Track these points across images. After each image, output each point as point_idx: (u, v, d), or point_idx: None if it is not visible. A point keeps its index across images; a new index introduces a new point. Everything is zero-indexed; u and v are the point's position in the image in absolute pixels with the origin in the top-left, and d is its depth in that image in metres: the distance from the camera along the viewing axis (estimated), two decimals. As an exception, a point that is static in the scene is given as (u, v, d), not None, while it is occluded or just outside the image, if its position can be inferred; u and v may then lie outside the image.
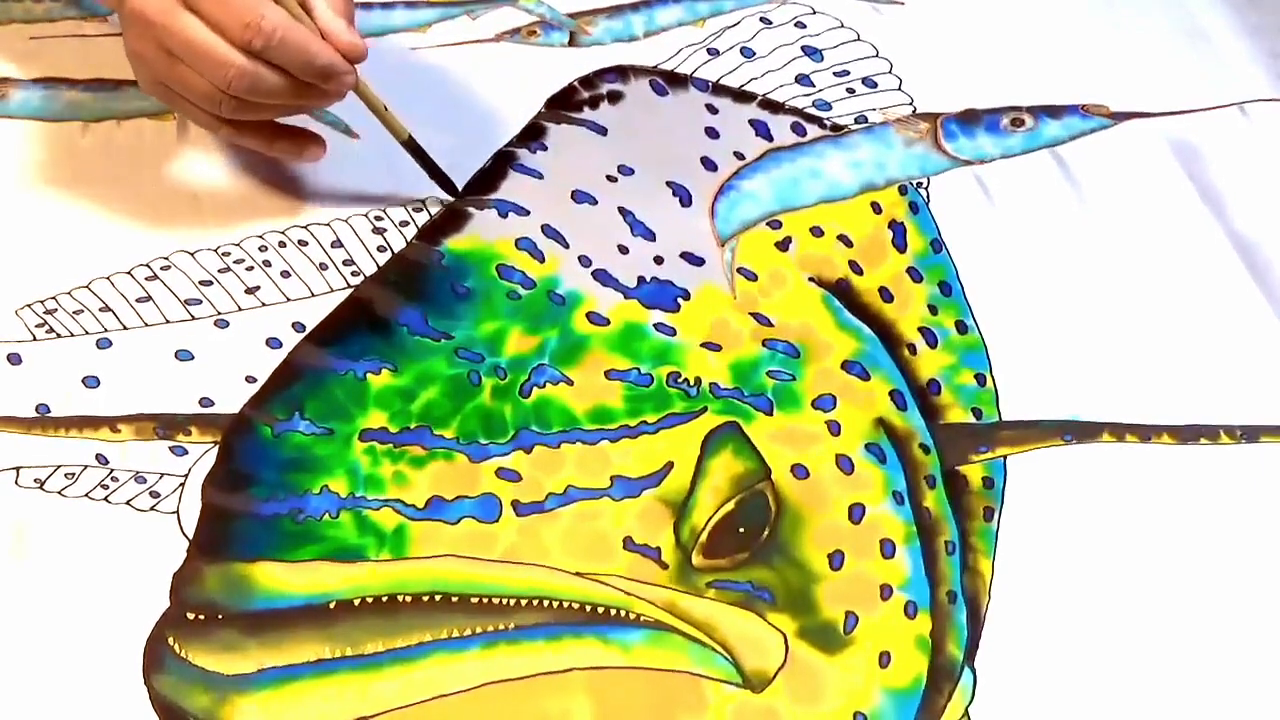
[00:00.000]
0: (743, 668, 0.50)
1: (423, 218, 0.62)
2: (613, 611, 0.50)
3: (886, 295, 0.62)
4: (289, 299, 0.59)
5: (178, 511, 0.53)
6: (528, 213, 0.62)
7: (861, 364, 0.59)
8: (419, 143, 0.62)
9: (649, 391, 0.57)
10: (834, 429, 0.56)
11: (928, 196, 0.66)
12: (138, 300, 0.59)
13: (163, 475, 0.53)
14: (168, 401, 0.56)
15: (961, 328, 0.61)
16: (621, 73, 0.70)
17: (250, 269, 0.60)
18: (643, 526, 0.52)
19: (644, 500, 0.53)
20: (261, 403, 0.56)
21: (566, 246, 0.61)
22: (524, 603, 0.50)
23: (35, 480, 0.53)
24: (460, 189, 0.63)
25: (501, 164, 0.64)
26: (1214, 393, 0.59)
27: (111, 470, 0.54)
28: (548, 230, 0.62)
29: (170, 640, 0.49)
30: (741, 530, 0.52)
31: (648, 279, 0.61)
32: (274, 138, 0.61)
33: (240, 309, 0.59)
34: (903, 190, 0.66)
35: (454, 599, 0.50)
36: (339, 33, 0.57)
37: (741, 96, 0.69)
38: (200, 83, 0.56)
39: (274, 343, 0.58)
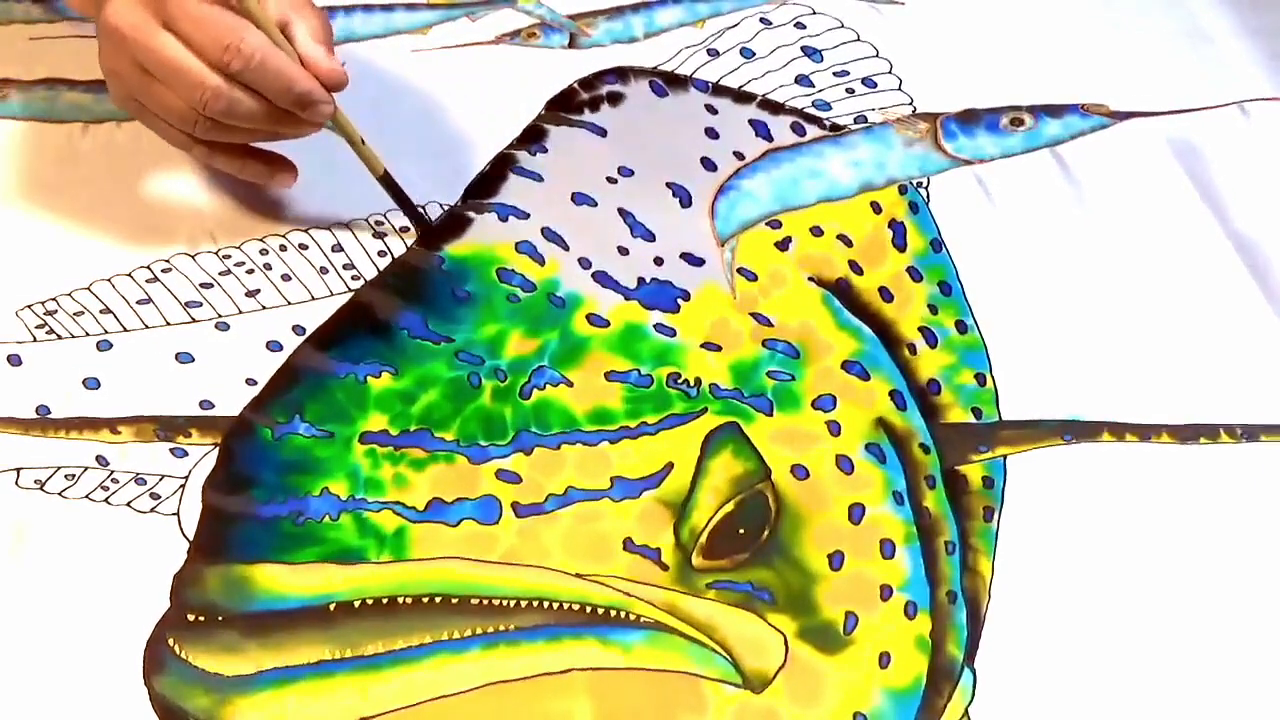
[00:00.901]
0: (743, 668, 0.50)
1: (423, 222, 0.62)
2: (613, 612, 0.50)
3: (886, 295, 0.62)
4: (289, 302, 0.59)
5: (178, 513, 0.53)
6: (528, 216, 0.62)
7: (861, 364, 0.59)
8: (394, 178, 0.60)
9: (649, 392, 0.56)
10: (834, 429, 0.56)
11: (927, 196, 0.65)
12: (138, 302, 0.59)
13: (163, 477, 0.54)
14: (168, 404, 0.56)
15: (961, 327, 0.61)
16: (621, 74, 0.70)
17: (251, 272, 0.60)
18: (643, 527, 0.52)
19: (644, 501, 0.53)
20: (262, 405, 0.56)
21: (566, 249, 0.61)
22: (524, 604, 0.50)
23: (35, 481, 0.53)
24: (460, 194, 0.63)
25: (501, 167, 0.64)
26: (1214, 392, 0.59)
27: (112, 472, 0.54)
28: (548, 233, 0.62)
29: (170, 642, 0.49)
30: (741, 531, 0.52)
31: (648, 280, 0.61)
32: (246, 160, 0.60)
33: (240, 312, 0.59)
34: (902, 190, 0.65)
35: (454, 600, 0.50)
36: (319, 60, 0.56)
37: (741, 97, 0.69)
38: (174, 101, 0.55)
39: (274, 345, 0.58)
